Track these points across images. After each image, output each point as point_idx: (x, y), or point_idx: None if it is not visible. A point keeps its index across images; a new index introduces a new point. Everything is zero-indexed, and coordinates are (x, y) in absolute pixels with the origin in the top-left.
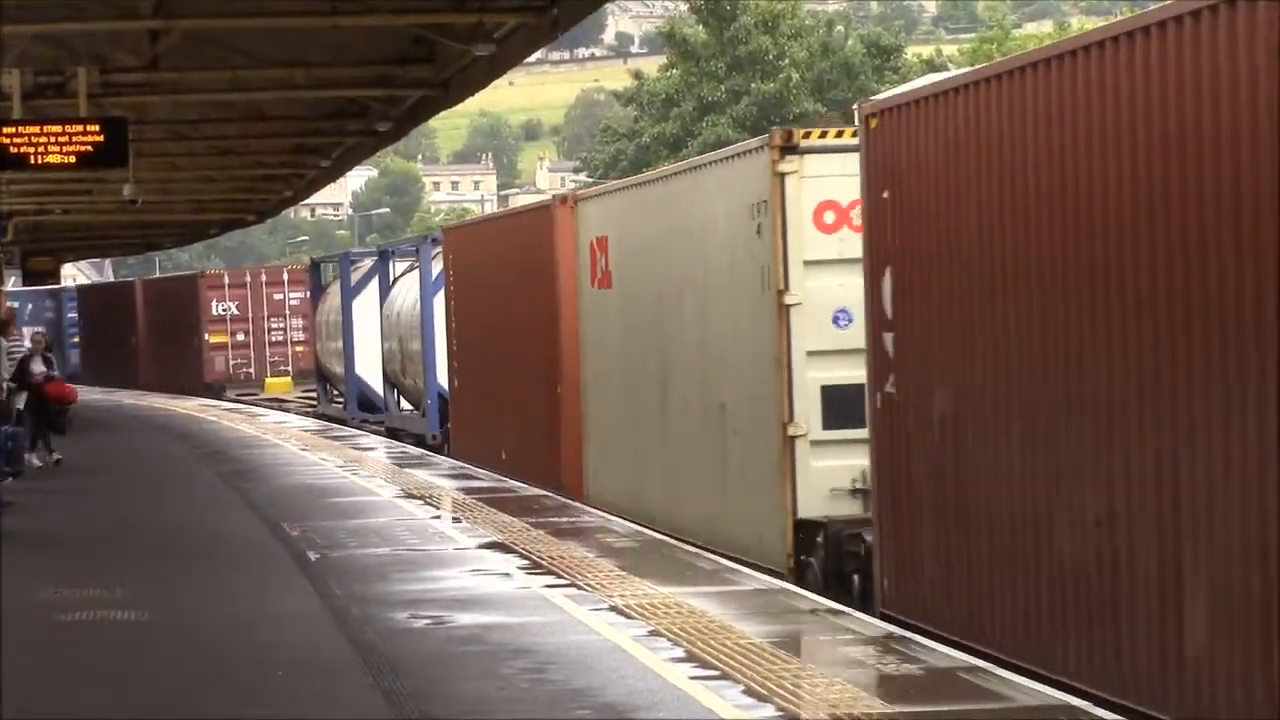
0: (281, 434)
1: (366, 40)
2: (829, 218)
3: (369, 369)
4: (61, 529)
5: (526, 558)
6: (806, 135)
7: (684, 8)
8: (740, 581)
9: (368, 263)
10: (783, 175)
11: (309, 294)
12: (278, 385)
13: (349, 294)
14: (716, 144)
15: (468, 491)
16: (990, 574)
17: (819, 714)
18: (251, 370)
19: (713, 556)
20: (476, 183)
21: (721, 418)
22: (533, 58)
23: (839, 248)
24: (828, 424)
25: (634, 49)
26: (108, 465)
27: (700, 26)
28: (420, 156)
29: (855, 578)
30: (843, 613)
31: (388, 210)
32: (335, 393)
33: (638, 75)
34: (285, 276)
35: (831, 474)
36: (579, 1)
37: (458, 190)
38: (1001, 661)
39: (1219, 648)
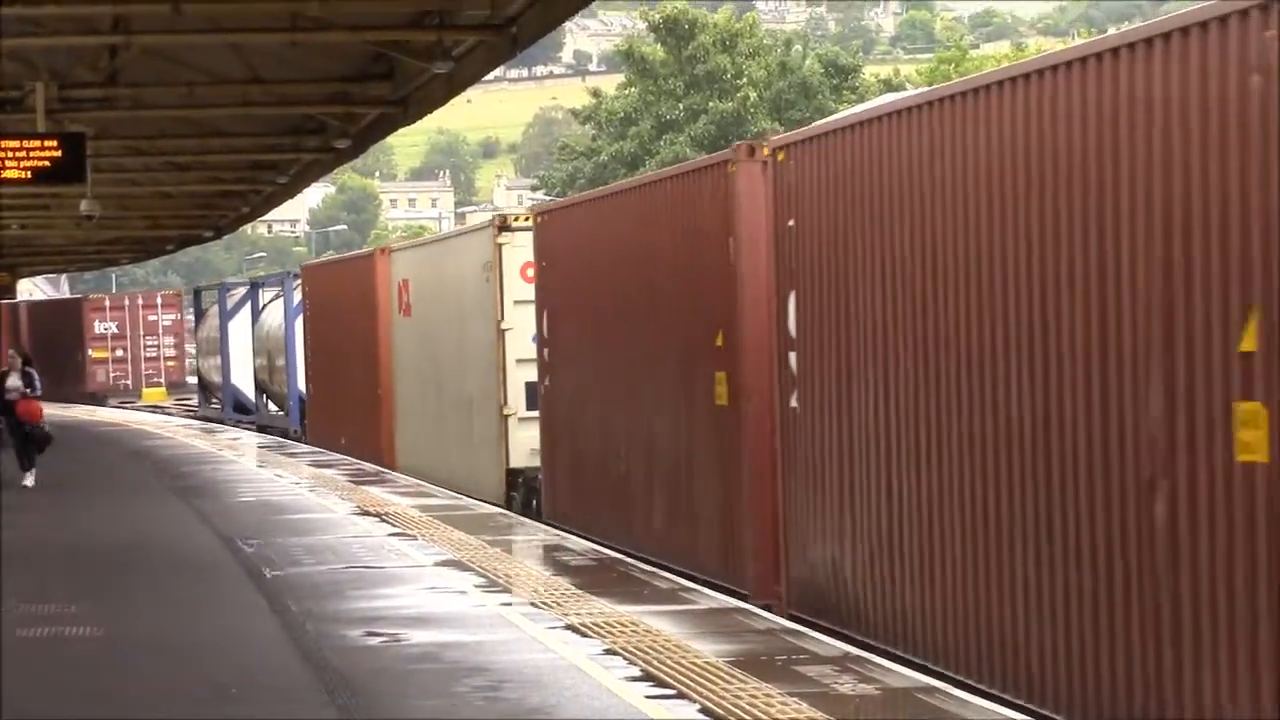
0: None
1: (325, 57)
2: (529, 273)
3: (242, 378)
4: (21, 545)
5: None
6: (516, 219)
7: (642, 26)
8: (696, 601)
9: (241, 291)
10: (501, 245)
11: (181, 316)
12: (154, 394)
13: (225, 317)
14: (674, 162)
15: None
16: (592, 494)
17: None
18: (129, 382)
19: (668, 576)
20: (434, 200)
21: (470, 405)
22: (491, 75)
23: (534, 292)
24: (529, 407)
25: (592, 67)
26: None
27: (658, 45)
28: (378, 173)
29: (534, 503)
30: (800, 633)
31: (345, 227)
32: (213, 399)
33: (596, 93)
34: (159, 300)
35: (530, 440)
36: (538, 20)
37: (415, 207)
38: (600, 542)
39: (673, 520)
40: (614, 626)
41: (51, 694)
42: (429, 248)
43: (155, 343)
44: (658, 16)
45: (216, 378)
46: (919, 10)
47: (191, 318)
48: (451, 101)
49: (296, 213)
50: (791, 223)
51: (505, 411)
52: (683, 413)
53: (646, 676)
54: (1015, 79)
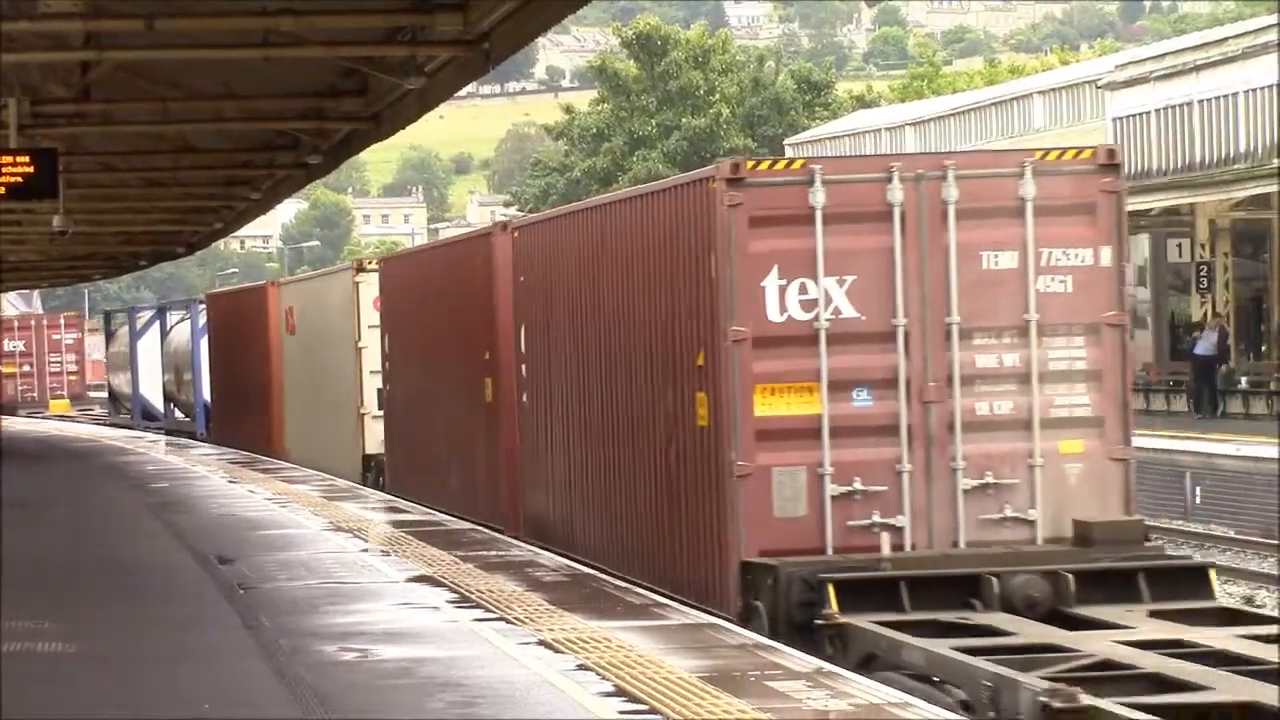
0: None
1: (297, 73)
2: (377, 304)
3: (150, 390)
4: None
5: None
6: (368, 263)
7: (615, 42)
8: (669, 616)
9: (148, 314)
10: (358, 284)
11: (82, 336)
12: (59, 406)
13: (135, 337)
14: (647, 178)
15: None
16: (418, 470)
17: None
18: (35, 394)
19: (641, 591)
20: (407, 216)
21: (336, 406)
22: (464, 91)
23: (380, 320)
24: (378, 408)
25: (565, 83)
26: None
27: (631, 61)
28: (351, 189)
29: (381, 480)
30: (773, 648)
31: (317, 243)
32: (123, 409)
33: (569, 109)
34: (62, 321)
35: (379, 432)
36: (510, 35)
37: (388, 223)
38: (424, 504)
39: (463, 484)
40: (586, 642)
41: (23, 710)
42: (308, 283)
43: (59, 359)
44: (631, 33)
45: (127, 389)
46: (892, 27)
47: (89, 336)
48: (424, 117)
49: (269, 228)
50: (522, 278)
51: (361, 411)
52: (469, 409)
53: (619, 692)
54: (613, 204)
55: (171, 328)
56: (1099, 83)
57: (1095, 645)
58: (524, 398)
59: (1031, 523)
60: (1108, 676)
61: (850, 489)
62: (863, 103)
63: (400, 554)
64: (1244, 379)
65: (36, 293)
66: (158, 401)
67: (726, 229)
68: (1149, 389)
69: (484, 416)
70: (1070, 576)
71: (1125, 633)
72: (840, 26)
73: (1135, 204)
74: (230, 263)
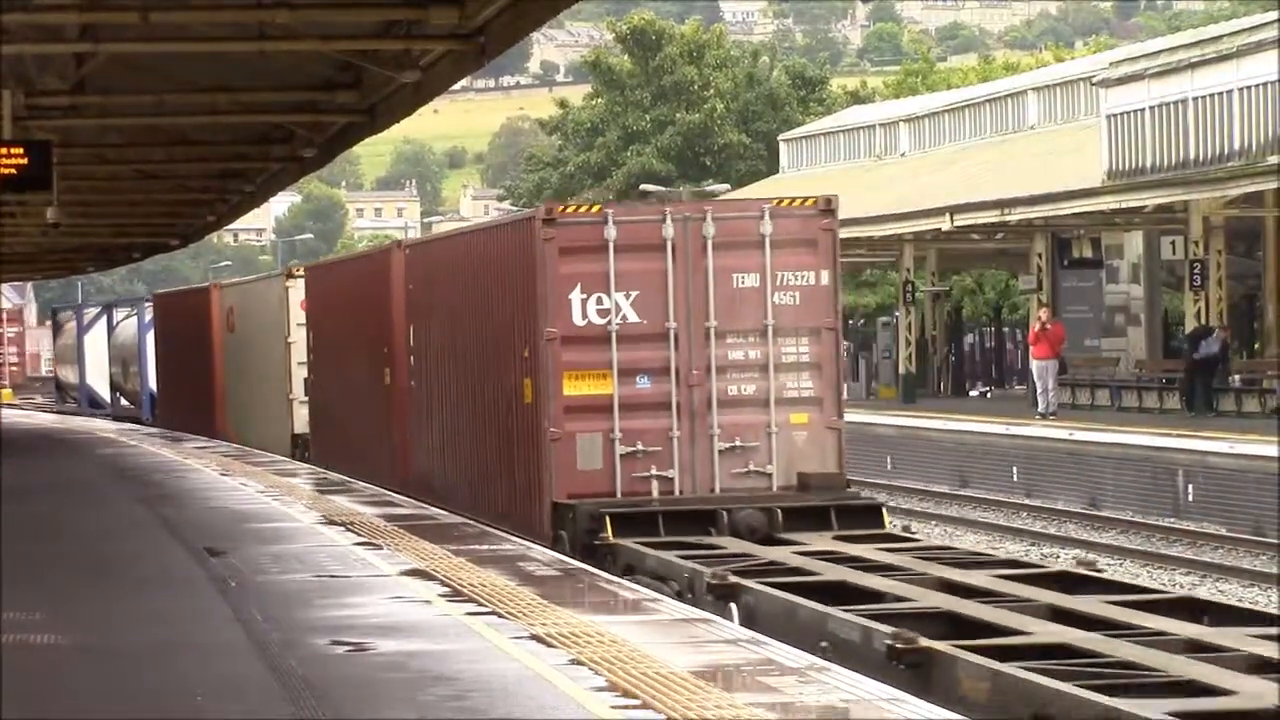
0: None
1: (292, 66)
2: (303, 306)
3: (97, 380)
4: None
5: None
6: (297, 269)
7: (609, 37)
8: (661, 611)
9: (93, 312)
10: (288, 288)
11: (23, 330)
12: (3, 395)
13: (81, 332)
14: (641, 174)
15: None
16: (337, 445)
17: None
18: None
19: (633, 586)
20: (400, 209)
21: (271, 393)
22: (458, 85)
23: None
24: (305, 394)
25: (559, 77)
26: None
27: (625, 56)
28: (344, 183)
29: (307, 454)
30: (764, 643)
31: (311, 236)
32: (69, 398)
33: (563, 104)
34: (4, 316)
35: (305, 415)
36: (505, 30)
37: (381, 216)
38: (343, 473)
39: (371, 453)
40: (579, 637)
41: (14, 700)
42: (246, 286)
43: (1, 352)
44: (625, 28)
45: (73, 379)
46: (886, 23)
47: (38, 330)
48: (418, 111)
49: (262, 221)
50: (410, 288)
51: (290, 396)
52: (374, 393)
53: (612, 687)
54: (471, 233)
55: (118, 324)
56: (1093, 80)
57: (774, 554)
58: (412, 383)
59: (769, 474)
60: (761, 568)
61: (634, 449)
62: (857, 99)
63: (392, 547)
64: (1237, 377)
65: (30, 285)
66: (104, 391)
67: (543, 256)
68: (1142, 386)
69: (385, 399)
70: (779, 511)
71: (799, 547)
72: (835, 22)
73: (1129, 200)
74: (223, 255)
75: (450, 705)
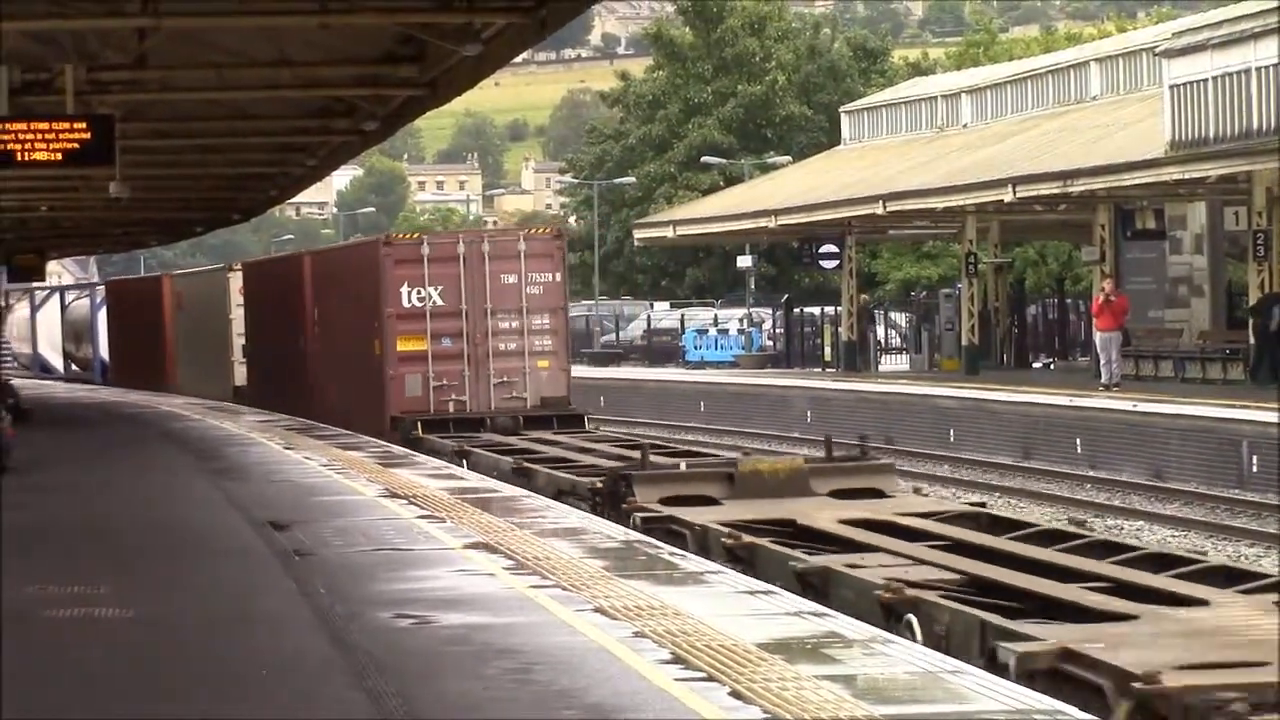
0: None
1: (354, 40)
2: (241, 291)
3: (48, 350)
4: (47, 524)
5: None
6: (235, 266)
7: (671, 9)
8: (723, 584)
9: (43, 294)
10: (229, 278)
11: None
12: None
13: (34, 311)
14: (702, 146)
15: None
16: (268, 394)
17: (803, 715)
18: None
19: (696, 559)
20: (462, 182)
21: (216, 356)
22: (519, 58)
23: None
24: (242, 356)
25: (620, 50)
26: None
27: (687, 28)
28: (406, 156)
29: (245, 406)
30: (827, 615)
31: (373, 209)
32: (21, 365)
33: (624, 76)
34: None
35: (243, 372)
36: (567, 2)
37: (443, 190)
38: (266, 410)
39: (290, 398)
40: (642, 609)
41: (81, 673)
42: (194, 275)
43: None
44: (686, 0)
45: (27, 350)
46: None
47: None
48: (480, 84)
49: (324, 195)
50: (314, 281)
51: (231, 359)
52: (293, 354)
53: (676, 660)
54: (345, 247)
55: (70, 304)
56: (1156, 50)
57: (518, 442)
58: (316, 346)
59: (524, 398)
60: (491, 445)
61: (441, 384)
62: (918, 70)
63: (455, 520)
64: None
65: (93, 259)
66: (55, 360)
67: (384, 266)
68: (1206, 357)
69: (299, 358)
70: (522, 418)
71: (525, 441)
72: None
73: (1192, 171)
74: (286, 229)
75: (514, 678)
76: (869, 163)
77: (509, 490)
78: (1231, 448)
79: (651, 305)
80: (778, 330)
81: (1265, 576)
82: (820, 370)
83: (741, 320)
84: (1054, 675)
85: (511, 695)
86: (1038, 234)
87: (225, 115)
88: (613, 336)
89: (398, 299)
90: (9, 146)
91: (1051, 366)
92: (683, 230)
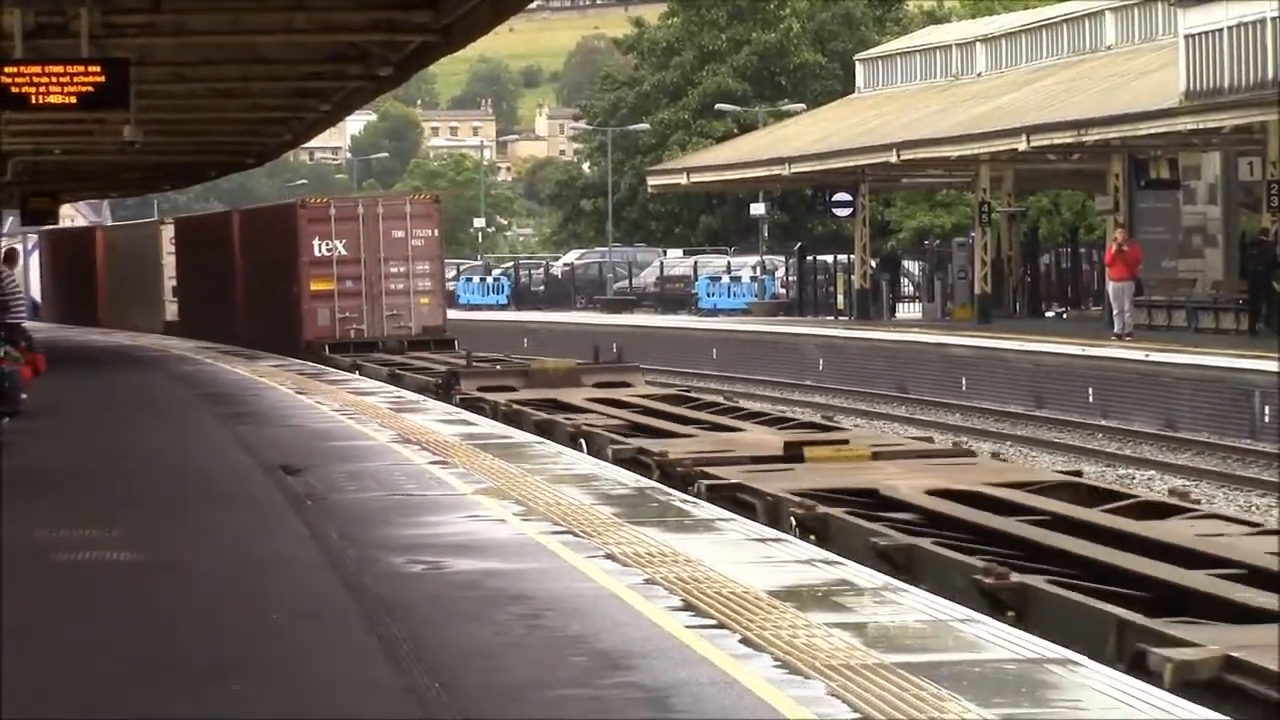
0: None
1: None
2: (173, 241)
3: None
4: (58, 468)
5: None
6: (166, 221)
7: None
8: (734, 531)
9: None
10: (162, 230)
11: None
12: None
13: None
14: (716, 93)
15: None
16: (198, 326)
17: (814, 662)
18: None
19: (708, 506)
20: (475, 128)
21: (150, 296)
22: (534, 3)
23: (175, 250)
24: (172, 296)
25: None
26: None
27: None
28: (420, 101)
29: (179, 331)
30: (839, 563)
31: (386, 155)
32: None
33: (639, 23)
34: None
35: (174, 309)
36: None
37: (456, 135)
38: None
39: (219, 329)
40: (654, 556)
41: (92, 616)
42: (127, 228)
43: None
44: None
45: None
46: None
47: None
48: (494, 30)
49: (338, 140)
50: (241, 234)
51: (163, 298)
52: (224, 292)
53: (687, 606)
54: (270, 207)
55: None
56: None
57: (399, 358)
58: (242, 285)
59: (410, 327)
60: (379, 361)
61: (345, 316)
62: (934, 18)
63: (467, 466)
64: None
65: (106, 203)
66: None
67: (300, 224)
68: (1219, 307)
69: (229, 296)
70: (407, 342)
71: (404, 358)
72: None
73: (1207, 121)
74: (299, 174)
75: (526, 624)
76: (883, 111)
77: (521, 436)
78: (1244, 398)
79: (665, 253)
80: (790, 278)
81: None
82: (833, 318)
83: (755, 268)
84: (1217, 687)
85: (523, 640)
86: (1051, 183)
87: (240, 59)
88: (626, 284)
89: (310, 250)
90: (23, 89)
91: (1064, 316)
92: (696, 178)
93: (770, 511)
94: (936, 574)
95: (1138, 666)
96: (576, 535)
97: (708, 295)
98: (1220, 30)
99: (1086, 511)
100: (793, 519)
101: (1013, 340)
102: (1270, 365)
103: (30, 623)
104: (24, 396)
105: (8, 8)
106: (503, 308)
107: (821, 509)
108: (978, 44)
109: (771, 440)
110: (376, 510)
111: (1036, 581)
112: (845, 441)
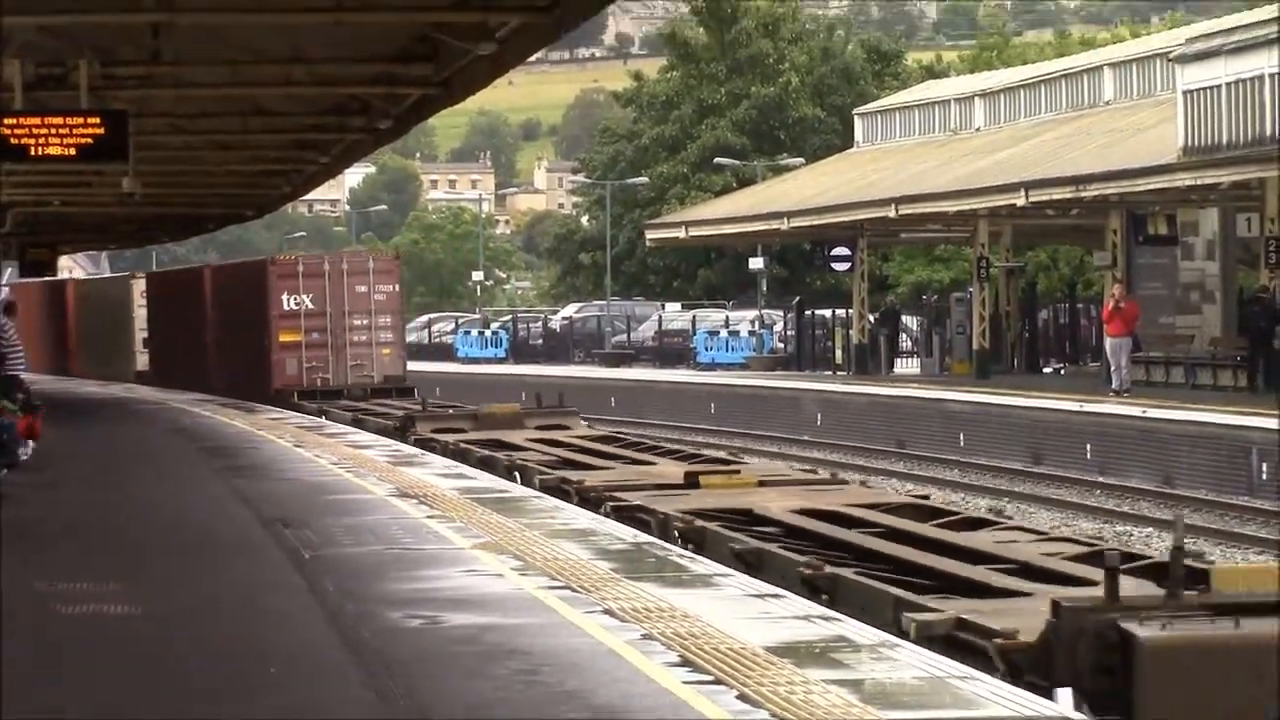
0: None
1: (368, 37)
2: (143, 294)
3: None
4: (56, 521)
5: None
6: (140, 275)
7: (685, 9)
8: (732, 587)
9: None
10: (133, 283)
11: None
12: None
13: None
14: (715, 147)
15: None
16: (168, 377)
17: (811, 719)
18: None
19: (706, 562)
20: (474, 181)
21: (120, 344)
22: (533, 57)
23: (146, 302)
24: (144, 347)
25: (634, 50)
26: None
27: (701, 29)
28: (419, 154)
29: (150, 380)
30: (836, 619)
31: (385, 207)
32: None
33: (638, 76)
34: None
35: (144, 358)
36: (582, 2)
37: (455, 188)
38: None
39: (190, 379)
40: (651, 611)
41: (92, 669)
42: (99, 281)
43: None
44: (701, 0)
45: None
46: None
47: None
48: (494, 83)
49: (337, 193)
50: (213, 287)
51: (134, 349)
52: (196, 343)
53: (685, 662)
54: (242, 264)
55: None
56: (1170, 56)
57: (362, 405)
58: (213, 336)
59: (372, 376)
60: (344, 406)
61: (312, 365)
62: (932, 73)
63: (465, 520)
64: None
65: (104, 255)
66: None
67: (270, 279)
68: (1217, 364)
69: (200, 346)
70: (370, 390)
71: (366, 404)
72: None
73: (1205, 177)
74: (298, 226)
75: (523, 679)
76: (882, 165)
77: (519, 491)
78: (1241, 455)
79: (663, 306)
80: (789, 332)
81: (1148, 558)
82: (831, 373)
83: (753, 322)
84: (949, 641)
85: (520, 696)
86: (1049, 238)
87: (239, 112)
88: (624, 337)
89: (280, 303)
90: (23, 141)
91: (1062, 371)
92: (695, 231)
93: (661, 526)
94: (776, 570)
95: (897, 627)
96: (574, 590)
97: (706, 349)
98: (1219, 86)
99: (917, 525)
100: (676, 531)
101: (1011, 396)
102: (1267, 422)
103: (26, 677)
104: (24, 451)
105: (8, 59)
106: (501, 361)
107: (700, 523)
108: (976, 99)
109: (676, 471)
110: (374, 564)
111: (845, 573)
112: (738, 472)
